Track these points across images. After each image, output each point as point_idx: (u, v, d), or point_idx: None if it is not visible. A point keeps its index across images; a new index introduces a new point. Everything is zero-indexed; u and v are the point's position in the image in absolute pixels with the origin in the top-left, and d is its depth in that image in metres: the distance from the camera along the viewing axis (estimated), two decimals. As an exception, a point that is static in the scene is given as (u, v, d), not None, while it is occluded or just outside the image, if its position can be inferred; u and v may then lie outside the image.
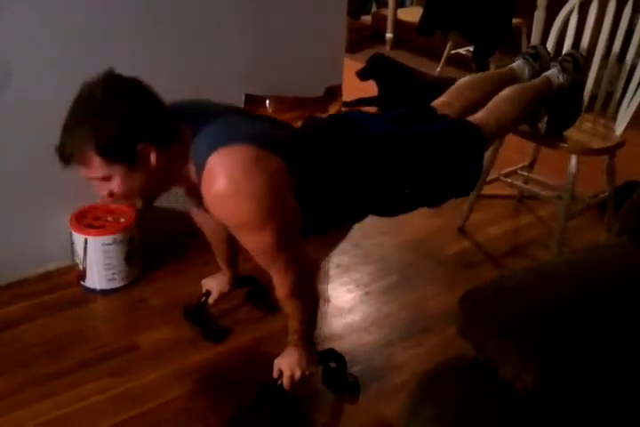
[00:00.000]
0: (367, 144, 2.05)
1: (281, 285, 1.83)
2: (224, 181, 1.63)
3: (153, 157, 1.68)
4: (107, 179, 1.68)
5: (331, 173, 1.93)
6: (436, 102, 2.44)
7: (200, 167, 1.68)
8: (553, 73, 2.58)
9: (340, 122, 2.19)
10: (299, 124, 2.29)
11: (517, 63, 2.68)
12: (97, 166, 1.65)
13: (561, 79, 2.55)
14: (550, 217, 3.14)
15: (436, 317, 2.49)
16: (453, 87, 2.51)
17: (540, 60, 2.68)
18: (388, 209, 2.18)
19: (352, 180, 1.98)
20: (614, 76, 2.81)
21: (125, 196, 1.74)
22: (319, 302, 1.97)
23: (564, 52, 2.74)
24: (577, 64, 2.60)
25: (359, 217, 2.17)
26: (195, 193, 1.77)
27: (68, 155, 1.64)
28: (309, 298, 1.92)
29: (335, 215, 2.05)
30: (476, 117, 2.31)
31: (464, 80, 2.55)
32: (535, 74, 2.65)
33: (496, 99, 2.40)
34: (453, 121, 2.33)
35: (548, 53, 2.73)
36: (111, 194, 1.71)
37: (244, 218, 1.68)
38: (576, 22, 2.81)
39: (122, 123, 1.61)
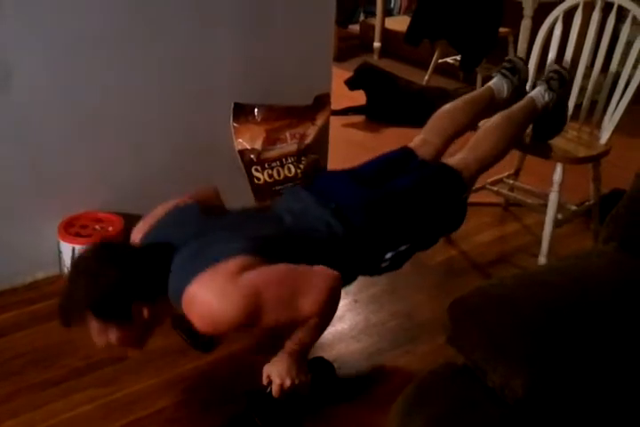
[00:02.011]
0: (339, 242, 2.04)
1: (314, 303, 1.80)
2: (204, 312, 1.75)
3: (146, 312, 1.80)
4: (104, 332, 1.81)
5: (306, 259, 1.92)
6: (416, 141, 2.43)
7: (178, 302, 1.78)
8: (538, 92, 2.57)
9: (312, 200, 2.15)
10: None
11: (494, 81, 2.66)
12: (94, 325, 1.80)
13: (546, 98, 2.56)
14: (536, 225, 3.15)
15: (424, 325, 2.50)
16: (431, 121, 2.49)
17: (518, 72, 2.67)
18: (373, 271, 2.21)
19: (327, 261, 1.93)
20: (599, 84, 2.84)
21: (122, 345, 1.89)
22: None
23: (548, 68, 2.73)
24: (563, 80, 2.61)
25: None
26: None
27: (68, 319, 1.81)
28: (331, 316, 1.90)
29: None
30: (457, 160, 2.31)
31: (441, 112, 2.53)
32: (515, 88, 2.65)
33: (480, 134, 2.40)
34: (432, 169, 2.31)
35: (525, 63, 2.72)
36: (109, 343, 1.85)
37: (238, 323, 1.75)
38: (560, 32, 2.84)
39: (115, 289, 1.74)
